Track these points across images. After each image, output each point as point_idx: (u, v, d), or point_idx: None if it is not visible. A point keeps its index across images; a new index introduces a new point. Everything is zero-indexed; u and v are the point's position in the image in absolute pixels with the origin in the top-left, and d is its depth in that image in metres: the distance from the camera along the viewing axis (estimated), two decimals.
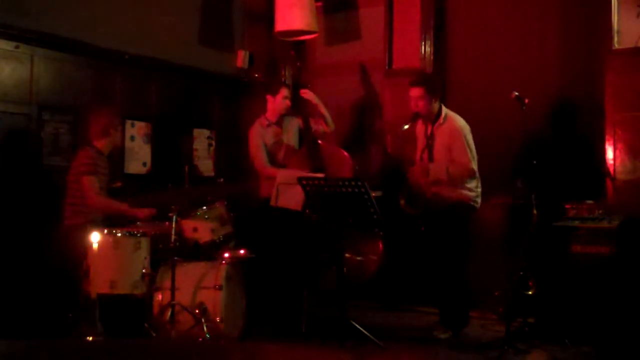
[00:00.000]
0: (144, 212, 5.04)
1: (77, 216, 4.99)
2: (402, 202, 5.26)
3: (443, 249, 5.17)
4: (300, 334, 5.19)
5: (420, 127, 5.40)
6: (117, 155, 5.90)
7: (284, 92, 5.86)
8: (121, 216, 5.09)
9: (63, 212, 5.03)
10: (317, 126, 5.86)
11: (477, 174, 5.24)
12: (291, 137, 5.93)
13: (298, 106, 5.94)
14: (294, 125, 5.95)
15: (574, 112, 5.86)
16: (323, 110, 5.88)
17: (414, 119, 5.28)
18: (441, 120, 5.26)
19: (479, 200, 5.27)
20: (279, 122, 5.89)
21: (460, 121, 5.25)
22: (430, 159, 5.26)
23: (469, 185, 5.23)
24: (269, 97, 5.88)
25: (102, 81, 6.03)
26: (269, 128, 5.87)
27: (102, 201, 5.02)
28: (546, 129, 5.78)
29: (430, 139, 5.27)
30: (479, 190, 5.27)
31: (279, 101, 5.82)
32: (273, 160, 5.82)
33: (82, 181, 4.97)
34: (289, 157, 5.83)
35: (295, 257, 5.46)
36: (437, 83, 5.49)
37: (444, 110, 5.30)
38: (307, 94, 5.84)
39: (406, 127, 5.26)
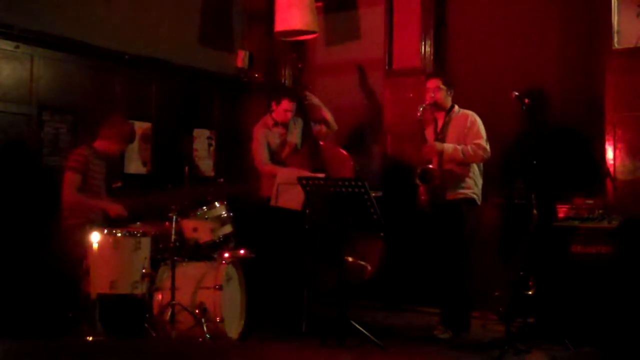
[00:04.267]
0: (116, 209, 5.03)
1: (75, 216, 4.99)
2: (417, 172, 5.25)
3: (445, 248, 5.18)
4: (300, 334, 5.19)
5: (429, 128, 5.42)
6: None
7: (285, 104, 5.82)
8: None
9: (61, 212, 5.03)
10: (319, 128, 5.88)
11: (482, 170, 5.28)
12: (295, 136, 5.94)
13: (300, 107, 5.94)
14: (298, 124, 5.96)
15: (573, 112, 5.86)
16: (325, 111, 5.89)
17: (431, 104, 5.32)
18: (455, 111, 5.34)
19: (480, 196, 5.30)
20: (284, 123, 5.89)
21: (473, 113, 5.34)
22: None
23: (475, 179, 5.25)
24: (272, 103, 5.88)
25: (102, 81, 6.02)
26: (274, 128, 5.87)
27: (76, 198, 4.99)
28: (546, 129, 5.78)
29: (442, 131, 5.32)
30: (480, 186, 5.29)
31: (280, 112, 5.83)
32: (277, 159, 5.83)
33: (64, 176, 4.99)
34: (291, 156, 5.84)
35: (295, 257, 5.46)
36: (453, 80, 5.54)
37: (457, 106, 5.38)
38: (309, 99, 5.83)
39: (422, 108, 5.27)
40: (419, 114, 5.26)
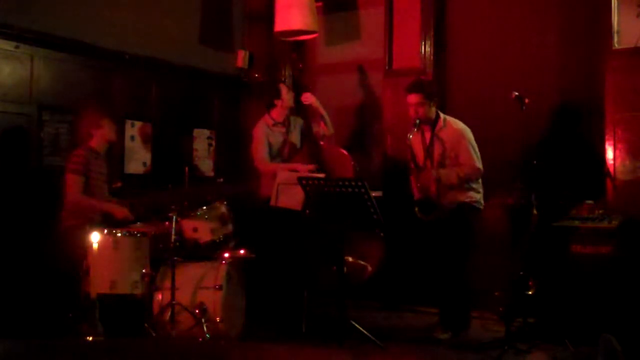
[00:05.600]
0: (121, 212, 5.02)
1: (74, 217, 4.99)
2: (416, 209, 5.21)
3: (447, 250, 5.17)
4: (300, 334, 5.19)
5: (415, 139, 5.33)
6: (117, 155, 5.91)
7: (284, 89, 5.89)
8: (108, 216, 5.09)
9: (61, 213, 5.03)
10: (318, 129, 5.88)
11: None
12: (295, 136, 5.95)
13: (300, 107, 5.94)
14: (297, 124, 5.96)
15: (574, 112, 5.85)
16: (324, 113, 5.89)
17: (417, 126, 5.22)
18: (441, 124, 5.26)
19: (482, 201, 5.29)
20: (285, 122, 5.89)
21: (460, 124, 5.27)
22: (432, 164, 5.25)
23: (475, 186, 5.24)
24: (276, 102, 5.86)
25: (102, 81, 6.02)
26: (274, 127, 5.87)
27: (81, 200, 4.98)
28: (546, 129, 5.78)
29: (430, 145, 5.26)
30: (482, 191, 5.29)
31: (285, 98, 5.84)
32: (279, 159, 5.83)
33: (65, 179, 4.98)
34: (291, 156, 5.85)
35: (295, 257, 5.46)
36: (434, 88, 5.49)
37: (442, 114, 5.31)
38: (308, 99, 5.82)
39: (411, 136, 5.22)
40: (408, 142, 5.21)
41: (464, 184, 5.19)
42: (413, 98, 5.23)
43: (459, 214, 5.16)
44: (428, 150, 5.26)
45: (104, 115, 5.27)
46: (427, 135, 5.29)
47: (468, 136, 5.20)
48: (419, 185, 5.23)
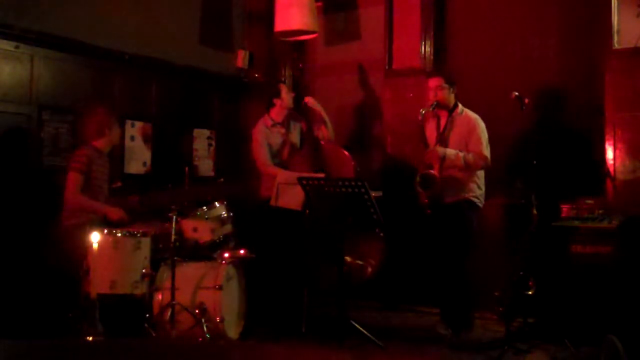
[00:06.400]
0: (117, 213, 5.01)
1: (75, 216, 4.99)
2: (417, 180, 5.23)
3: (446, 247, 5.17)
4: (300, 334, 5.19)
5: (430, 124, 5.38)
6: (117, 155, 5.91)
7: (284, 89, 5.90)
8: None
9: (61, 212, 5.03)
10: (319, 132, 5.86)
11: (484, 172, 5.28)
12: (294, 136, 5.94)
13: (300, 109, 5.93)
14: (296, 126, 5.96)
15: (573, 112, 5.86)
16: (325, 117, 5.87)
17: (433, 107, 5.24)
18: (458, 110, 5.30)
19: (483, 199, 5.29)
20: (284, 122, 5.88)
21: (475, 115, 5.31)
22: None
23: (478, 181, 5.25)
24: (276, 101, 5.86)
25: (102, 81, 6.03)
26: (273, 128, 5.86)
27: (78, 199, 4.98)
28: (546, 129, 5.77)
29: (445, 130, 5.28)
30: (484, 189, 5.29)
31: (285, 98, 5.83)
32: (280, 159, 5.83)
33: (67, 176, 4.99)
34: (291, 156, 5.84)
35: (295, 257, 5.46)
36: (454, 76, 5.53)
37: (460, 105, 5.35)
38: (310, 102, 5.82)
39: (424, 112, 5.22)
40: (420, 117, 5.21)
41: (469, 173, 5.19)
42: (434, 81, 5.32)
43: (458, 211, 5.17)
44: (441, 136, 5.28)
45: (115, 119, 5.35)
46: (443, 121, 5.33)
47: (481, 126, 5.25)
48: (423, 162, 5.24)
